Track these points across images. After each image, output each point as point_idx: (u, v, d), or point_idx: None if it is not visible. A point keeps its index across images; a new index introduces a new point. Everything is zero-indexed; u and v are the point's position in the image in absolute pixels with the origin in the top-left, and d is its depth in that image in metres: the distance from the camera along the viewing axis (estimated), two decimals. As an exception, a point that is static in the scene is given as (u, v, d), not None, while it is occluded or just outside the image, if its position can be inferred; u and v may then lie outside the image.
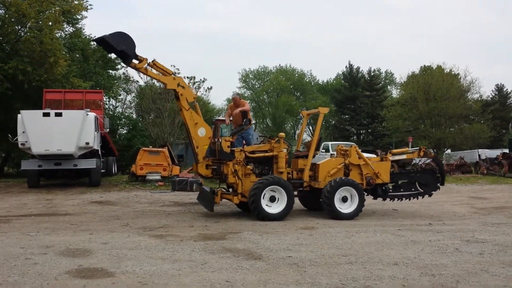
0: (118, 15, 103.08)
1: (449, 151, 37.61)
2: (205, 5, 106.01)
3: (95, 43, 30.42)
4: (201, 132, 9.82)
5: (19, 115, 15.92)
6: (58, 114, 15.83)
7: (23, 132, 15.61)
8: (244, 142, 11.19)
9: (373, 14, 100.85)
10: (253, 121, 14.96)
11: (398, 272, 5.66)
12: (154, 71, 9.79)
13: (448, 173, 22.91)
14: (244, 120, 11.03)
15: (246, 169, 10.00)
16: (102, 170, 18.61)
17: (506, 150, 27.15)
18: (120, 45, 9.05)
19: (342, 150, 10.89)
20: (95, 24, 79.08)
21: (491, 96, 53.15)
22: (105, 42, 9.18)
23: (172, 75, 9.90)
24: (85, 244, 7.16)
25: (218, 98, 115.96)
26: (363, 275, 5.49)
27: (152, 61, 9.66)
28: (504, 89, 54.54)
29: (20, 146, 16.06)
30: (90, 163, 16.73)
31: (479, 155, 28.05)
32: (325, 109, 11.14)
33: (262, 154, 10.22)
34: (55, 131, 15.50)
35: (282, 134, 10.58)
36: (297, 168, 10.59)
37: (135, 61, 9.49)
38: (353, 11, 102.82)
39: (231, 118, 11.57)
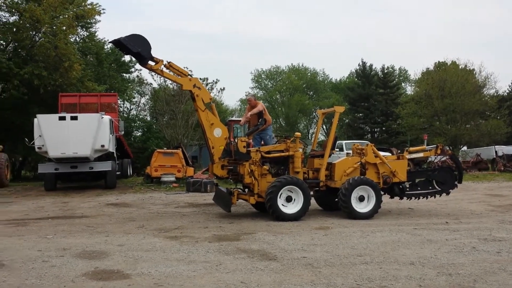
0: (130, 17, 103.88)
1: (465, 148, 37.11)
2: (214, 5, 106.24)
3: (109, 45, 30.95)
4: (217, 133, 9.83)
5: (35, 119, 16.14)
6: (74, 118, 16.01)
7: (40, 136, 15.82)
8: (262, 142, 11.22)
9: (385, 11, 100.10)
10: (273, 121, 14.94)
11: (415, 272, 5.61)
12: (170, 72, 9.84)
13: (465, 170, 22.61)
14: (260, 120, 11.07)
15: (262, 169, 10.00)
16: (118, 172, 18.77)
17: (524, 146, 26.74)
18: (136, 47, 9.15)
19: (358, 148, 10.82)
20: (108, 28, 79.84)
21: (507, 91, 52.31)
22: (121, 44, 9.29)
23: (188, 76, 9.95)
24: (101, 246, 7.23)
25: (231, 99, 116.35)
26: (379, 275, 5.45)
27: (168, 63, 9.70)
28: (521, 84, 53.63)
29: (36, 150, 16.27)
30: (105, 166, 16.89)
31: (496, 152, 27.63)
32: (341, 108, 11.08)
33: (278, 154, 10.22)
34: (71, 134, 15.68)
35: (298, 133, 10.56)
36: (313, 167, 10.56)
37: (151, 63, 9.56)
38: (364, 8, 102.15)
39: (248, 119, 11.60)
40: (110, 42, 10.14)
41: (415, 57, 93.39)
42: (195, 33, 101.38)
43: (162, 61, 9.56)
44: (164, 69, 9.72)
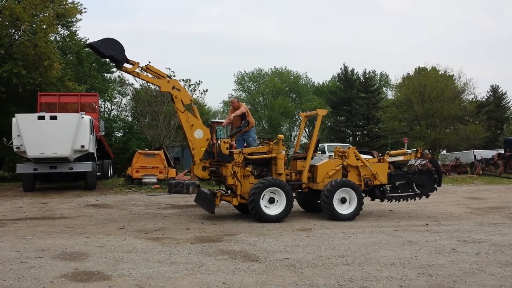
0: (112, 17, 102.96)
1: (444, 152, 37.69)
2: (198, 7, 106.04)
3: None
4: (198, 134, 9.82)
5: (13, 119, 15.84)
6: (53, 118, 15.76)
7: (18, 135, 15.53)
8: (245, 144, 11.23)
9: (367, 16, 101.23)
10: (256, 123, 15.04)
11: (395, 272, 5.66)
12: (148, 74, 9.85)
13: (444, 173, 22.94)
14: (243, 122, 11.08)
15: (245, 171, 10.00)
16: (98, 173, 18.52)
17: (501, 151, 27.27)
18: (108, 51, 9.27)
19: (340, 151, 10.91)
20: (89, 27, 78.95)
21: (486, 97, 53.37)
22: (95, 48, 9.39)
23: (167, 78, 9.95)
24: (81, 247, 7.12)
25: (214, 101, 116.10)
26: (361, 276, 5.49)
27: (146, 65, 9.78)
28: (499, 90, 54.79)
29: (15, 149, 15.97)
30: (85, 166, 16.66)
31: (474, 156, 28.14)
32: (323, 111, 11.17)
33: (261, 156, 10.23)
34: (50, 134, 15.43)
35: (281, 136, 10.62)
36: (295, 169, 10.60)
37: (126, 65, 9.60)
38: (347, 12, 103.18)
39: (231, 121, 11.60)
40: (85, 46, 10.48)
41: (396, 62, 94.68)
42: (178, 35, 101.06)
43: (138, 63, 9.61)
44: (141, 72, 9.74)
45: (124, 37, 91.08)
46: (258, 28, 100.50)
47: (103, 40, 9.34)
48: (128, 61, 9.54)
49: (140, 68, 9.68)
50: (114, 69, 33.86)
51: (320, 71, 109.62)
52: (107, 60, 32.84)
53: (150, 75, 9.89)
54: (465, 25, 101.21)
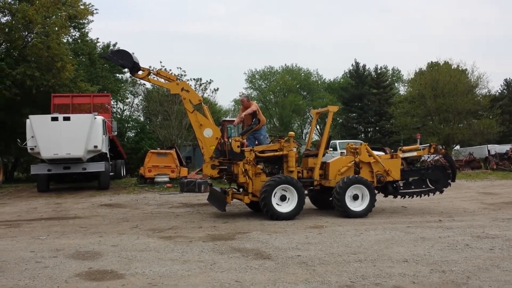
0: (124, 17, 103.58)
1: (458, 147, 37.32)
2: (207, 6, 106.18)
3: (101, 46, 30.95)
4: (207, 133, 9.88)
5: (27, 120, 16.03)
6: (66, 118, 15.92)
7: (32, 137, 15.72)
8: (256, 142, 11.26)
9: (378, 12, 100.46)
10: (267, 121, 15.09)
11: (408, 269, 5.63)
12: (160, 79, 10.39)
13: (458, 169, 22.73)
14: (254, 120, 11.11)
15: (256, 169, 10.02)
16: (111, 173, 18.69)
17: (516, 145, 26.90)
18: (119, 61, 10.02)
19: (352, 148, 10.86)
20: (101, 28, 79.55)
21: (499, 91, 52.68)
22: (107, 59, 10.47)
23: (176, 81, 10.28)
24: (95, 246, 7.19)
25: (225, 99, 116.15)
26: (373, 273, 5.47)
27: (157, 71, 10.43)
28: (513, 84, 54.03)
29: (29, 151, 16.16)
30: (99, 167, 16.80)
31: (488, 151, 27.79)
32: (335, 107, 11.12)
33: (272, 154, 10.24)
34: (64, 135, 15.59)
35: (292, 133, 10.63)
36: (307, 167, 10.58)
37: (139, 72, 10.13)
38: (357, 9, 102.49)
39: (242, 120, 11.66)
40: (100, 57, 12.13)
41: (408, 57, 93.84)
42: (189, 34, 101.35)
43: (149, 69, 10.22)
44: (152, 77, 10.30)
45: (133, 38, 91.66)
46: (267, 27, 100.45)
47: (114, 52, 10.43)
48: (139, 69, 10.03)
49: (152, 74, 10.20)
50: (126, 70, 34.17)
51: (332, 68, 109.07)
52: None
53: (161, 79, 10.39)
54: (477, 19, 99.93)
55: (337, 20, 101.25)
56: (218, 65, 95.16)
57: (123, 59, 9.94)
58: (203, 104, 10.48)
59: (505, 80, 54.47)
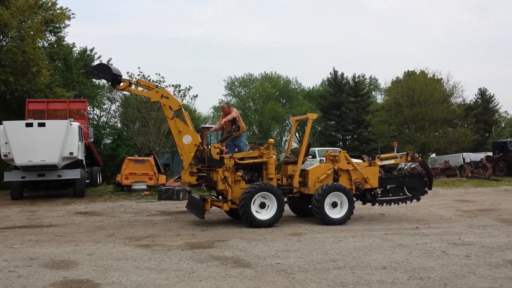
0: (102, 21, 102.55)
1: (434, 155, 37.92)
2: (187, 11, 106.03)
3: (78, 50, 30.55)
4: (187, 140, 9.83)
5: (1, 126, 15.67)
6: (41, 124, 15.61)
7: (6, 143, 15.36)
8: (236, 149, 11.22)
9: (357, 19, 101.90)
10: (246, 128, 15.05)
11: (387, 276, 5.67)
12: (139, 88, 10.60)
13: (434, 177, 23.08)
14: (233, 127, 11.08)
15: (236, 176, 9.98)
16: (87, 181, 18.36)
17: (490, 153, 27.48)
18: (100, 75, 10.45)
19: (331, 155, 10.93)
20: (80, 33, 78.44)
21: (474, 100, 53.87)
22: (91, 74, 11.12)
23: (155, 89, 10.37)
24: (70, 255, 7.04)
25: (205, 106, 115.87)
26: (352, 280, 5.49)
27: (136, 81, 10.79)
28: (487, 93, 55.35)
29: (2, 157, 15.80)
30: (74, 174, 16.51)
31: (463, 159, 28.34)
32: (314, 115, 11.22)
33: (251, 161, 10.22)
34: (38, 141, 15.28)
35: (272, 140, 10.65)
36: (286, 174, 10.60)
37: (121, 84, 10.25)
38: (336, 17, 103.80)
39: (221, 126, 11.62)
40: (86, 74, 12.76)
41: (385, 66, 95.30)
42: (168, 39, 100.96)
43: (129, 80, 10.45)
44: (133, 87, 10.53)
45: (112, 42, 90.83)
46: (247, 34, 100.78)
47: (95, 67, 11.10)
48: (120, 80, 10.18)
49: (132, 84, 10.40)
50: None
51: (310, 76, 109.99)
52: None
53: (140, 88, 10.62)
54: (453, 27, 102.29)
55: (316, 28, 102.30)
56: (197, 71, 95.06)
57: (103, 73, 10.18)
58: (183, 110, 10.44)
59: (479, 89, 55.83)
